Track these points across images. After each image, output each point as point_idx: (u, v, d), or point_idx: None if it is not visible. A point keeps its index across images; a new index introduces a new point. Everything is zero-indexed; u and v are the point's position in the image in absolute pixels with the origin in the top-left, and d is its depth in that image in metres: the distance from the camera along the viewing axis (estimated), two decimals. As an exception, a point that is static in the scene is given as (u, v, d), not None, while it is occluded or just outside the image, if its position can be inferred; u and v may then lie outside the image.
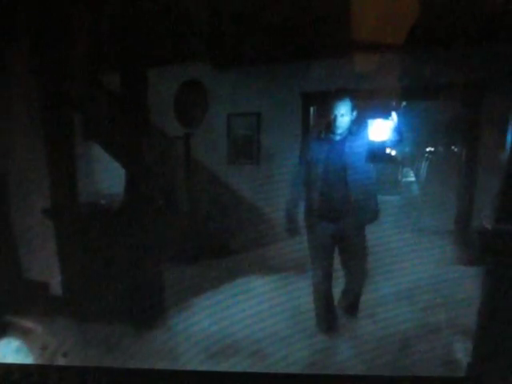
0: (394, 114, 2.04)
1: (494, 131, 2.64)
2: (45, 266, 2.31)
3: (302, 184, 2.25)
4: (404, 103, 3.53)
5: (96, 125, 2.89)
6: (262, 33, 2.95)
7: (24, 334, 1.16)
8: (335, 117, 2.09)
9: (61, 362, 1.07)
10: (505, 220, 1.51)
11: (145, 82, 2.79)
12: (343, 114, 2.10)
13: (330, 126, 2.14)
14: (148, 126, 2.92)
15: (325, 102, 2.20)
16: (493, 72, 2.73)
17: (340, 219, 2.17)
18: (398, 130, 2.03)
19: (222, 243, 3.60)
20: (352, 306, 2.36)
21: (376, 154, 2.10)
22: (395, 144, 2.06)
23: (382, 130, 2.05)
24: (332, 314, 2.31)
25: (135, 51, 2.65)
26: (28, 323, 1.18)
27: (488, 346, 1.70)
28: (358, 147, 2.10)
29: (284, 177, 3.17)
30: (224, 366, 1.88)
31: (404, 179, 5.05)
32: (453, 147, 3.97)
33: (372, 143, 2.09)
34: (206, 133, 3.80)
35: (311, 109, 3.67)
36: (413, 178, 4.90)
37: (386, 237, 2.99)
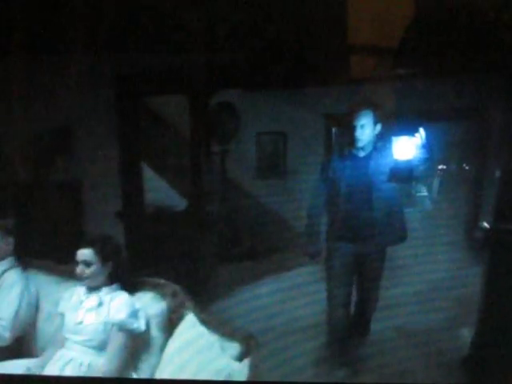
0: (422, 131, 1.97)
1: (496, 149, 3.14)
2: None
3: (322, 203, 2.19)
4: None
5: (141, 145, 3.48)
6: (287, 60, 3.49)
7: (156, 286, 1.68)
8: (354, 128, 2.01)
9: (189, 306, 1.57)
10: (500, 220, 2.02)
11: (183, 105, 3.39)
12: (363, 124, 2.02)
13: (351, 140, 2.07)
14: (187, 143, 3.53)
15: (346, 114, 2.13)
16: (497, 95, 3.17)
17: (362, 241, 2.09)
18: (428, 148, 1.96)
19: (250, 248, 4.10)
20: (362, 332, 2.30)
21: (403, 172, 2.00)
22: (424, 162, 2.00)
23: (410, 147, 1.97)
24: (347, 341, 2.28)
25: (175, 76, 3.25)
26: (158, 280, 1.70)
27: (488, 339, 2.13)
28: (384, 165, 2.02)
29: (307, 191, 3.71)
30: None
31: (417, 194, 5.51)
32: (464, 165, 4.43)
33: (399, 161, 2.00)
34: (237, 149, 4.35)
35: (333, 129, 4.20)
36: (425, 193, 5.37)
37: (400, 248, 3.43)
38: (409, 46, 3.07)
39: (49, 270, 2.00)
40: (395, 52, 3.26)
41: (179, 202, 3.30)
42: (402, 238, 2.15)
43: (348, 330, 2.28)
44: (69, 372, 1.53)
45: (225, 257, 3.59)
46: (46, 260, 2.04)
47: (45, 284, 1.96)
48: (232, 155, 4.29)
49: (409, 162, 2.01)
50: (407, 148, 2.00)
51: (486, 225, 2.05)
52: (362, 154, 2.09)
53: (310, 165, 3.90)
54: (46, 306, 1.92)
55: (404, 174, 2.05)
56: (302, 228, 3.51)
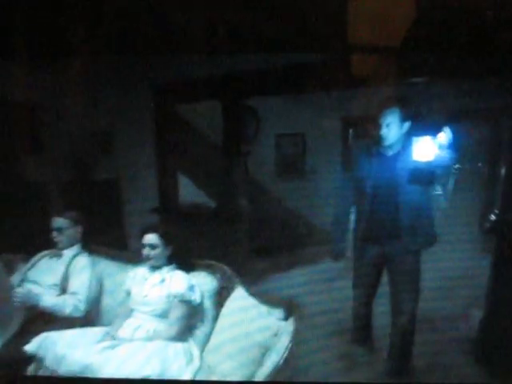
0: (448, 130, 1.93)
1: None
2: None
3: (348, 202, 2.17)
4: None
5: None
6: (307, 68, 3.82)
7: (208, 267, 2.04)
8: (380, 127, 2.00)
9: (237, 282, 1.91)
10: (502, 212, 2.33)
11: (211, 110, 3.77)
12: (389, 123, 1.99)
13: (377, 139, 2.04)
14: (213, 146, 3.91)
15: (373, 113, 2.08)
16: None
17: (388, 243, 2.04)
18: (454, 147, 1.92)
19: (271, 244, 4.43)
20: (404, 349, 2.15)
21: (430, 173, 1.95)
22: (451, 162, 1.96)
23: (438, 146, 1.92)
24: (368, 339, 2.27)
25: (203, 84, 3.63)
26: (209, 262, 2.06)
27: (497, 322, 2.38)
28: (411, 164, 1.96)
29: (325, 189, 4.05)
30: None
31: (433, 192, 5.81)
32: (479, 164, 4.71)
33: (427, 161, 1.93)
34: (258, 150, 4.71)
35: (350, 131, 4.53)
36: (440, 192, 5.67)
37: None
38: (426, 49, 3.35)
39: (110, 256, 2.37)
40: (414, 54, 3.54)
41: (209, 200, 3.67)
42: (430, 241, 2.07)
43: (368, 329, 2.25)
44: (139, 336, 1.89)
45: (250, 250, 3.94)
46: (108, 247, 2.41)
47: (107, 267, 2.34)
48: (253, 156, 4.67)
49: (436, 161, 1.96)
50: (435, 148, 1.95)
51: (493, 217, 2.36)
52: (389, 152, 2.06)
53: (328, 164, 4.27)
54: (108, 286, 2.30)
55: (430, 175, 1.99)
56: (321, 225, 3.85)
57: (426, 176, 1.98)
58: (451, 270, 3.25)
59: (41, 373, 1.80)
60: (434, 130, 1.98)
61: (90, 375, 1.60)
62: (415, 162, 1.97)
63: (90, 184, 3.37)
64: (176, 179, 3.55)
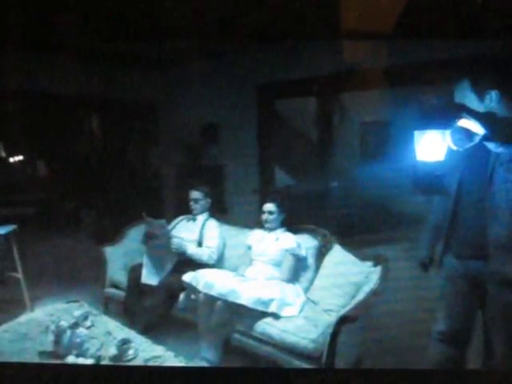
0: None
1: None
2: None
3: (445, 210, 1.87)
4: None
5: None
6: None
7: (311, 230, 2.80)
8: None
9: (335, 241, 2.66)
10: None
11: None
12: None
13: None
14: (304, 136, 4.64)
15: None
16: None
17: (469, 260, 1.75)
18: None
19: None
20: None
21: None
22: None
23: None
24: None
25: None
26: (312, 226, 2.83)
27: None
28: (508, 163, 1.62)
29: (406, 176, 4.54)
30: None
31: None
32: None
33: None
34: (342, 138, 5.36)
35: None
36: None
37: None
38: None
39: (230, 222, 3.24)
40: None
41: (301, 182, 4.44)
42: None
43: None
44: (261, 277, 2.71)
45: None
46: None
47: (228, 230, 3.20)
48: (338, 143, 5.33)
49: None
50: None
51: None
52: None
53: (409, 153, 4.78)
54: (229, 244, 3.16)
55: None
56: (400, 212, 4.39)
57: None
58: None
59: (192, 297, 2.68)
60: None
61: (233, 297, 2.43)
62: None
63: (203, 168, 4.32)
64: (273, 165, 4.35)
